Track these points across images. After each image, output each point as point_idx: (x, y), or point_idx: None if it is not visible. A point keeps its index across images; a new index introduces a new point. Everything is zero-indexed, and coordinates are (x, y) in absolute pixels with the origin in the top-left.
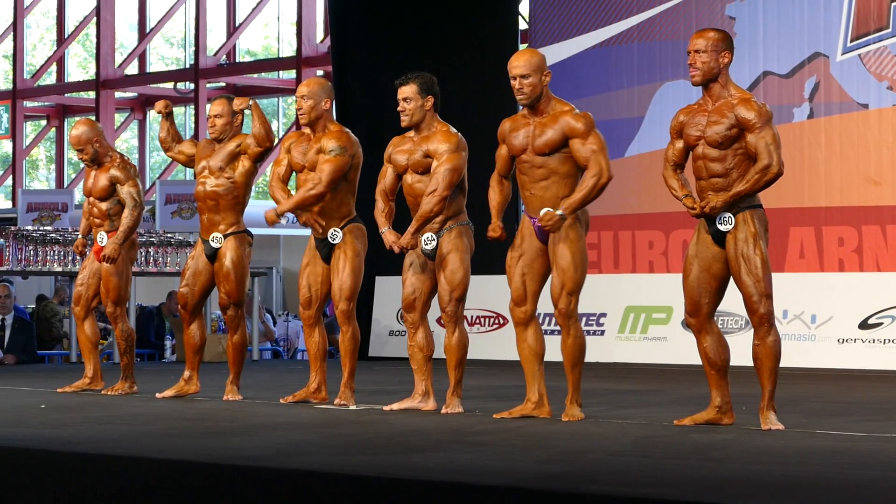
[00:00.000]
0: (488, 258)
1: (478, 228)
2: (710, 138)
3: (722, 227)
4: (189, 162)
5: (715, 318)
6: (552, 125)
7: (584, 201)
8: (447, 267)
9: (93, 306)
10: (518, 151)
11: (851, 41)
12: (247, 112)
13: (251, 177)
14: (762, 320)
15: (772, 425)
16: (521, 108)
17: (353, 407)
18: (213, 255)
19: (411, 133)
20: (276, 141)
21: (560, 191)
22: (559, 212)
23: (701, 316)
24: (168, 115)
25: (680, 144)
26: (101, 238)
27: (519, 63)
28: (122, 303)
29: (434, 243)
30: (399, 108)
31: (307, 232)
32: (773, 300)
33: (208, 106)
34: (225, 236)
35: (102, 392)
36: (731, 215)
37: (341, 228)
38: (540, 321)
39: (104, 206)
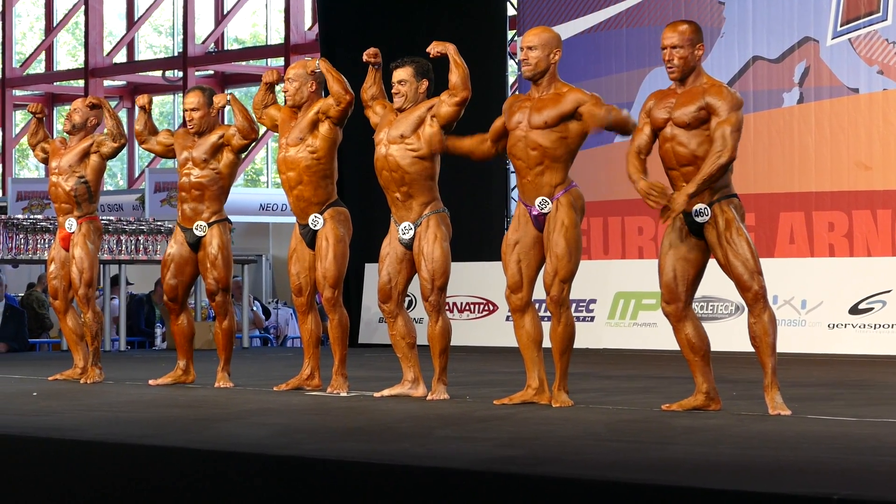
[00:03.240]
0: (477, 245)
1: (466, 215)
2: (679, 119)
3: (698, 220)
4: (166, 152)
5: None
6: (554, 102)
7: (624, 123)
8: (427, 256)
9: (70, 297)
10: (514, 127)
11: (842, 25)
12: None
13: (235, 167)
14: (757, 297)
15: (780, 410)
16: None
17: (344, 394)
18: (196, 244)
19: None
20: (260, 131)
21: (553, 178)
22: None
23: (679, 304)
24: (148, 111)
25: (648, 130)
26: (70, 224)
27: (530, 35)
28: (94, 284)
29: (411, 233)
30: (394, 91)
31: (295, 219)
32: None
33: None
34: (209, 224)
35: (82, 381)
36: (706, 206)
37: (321, 213)
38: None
39: (69, 185)
